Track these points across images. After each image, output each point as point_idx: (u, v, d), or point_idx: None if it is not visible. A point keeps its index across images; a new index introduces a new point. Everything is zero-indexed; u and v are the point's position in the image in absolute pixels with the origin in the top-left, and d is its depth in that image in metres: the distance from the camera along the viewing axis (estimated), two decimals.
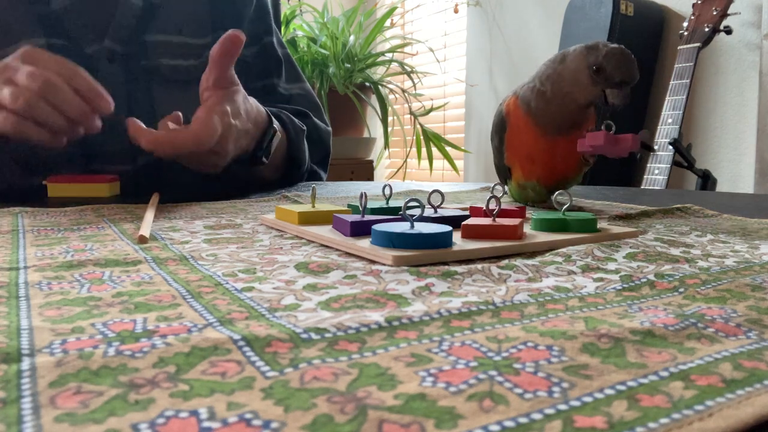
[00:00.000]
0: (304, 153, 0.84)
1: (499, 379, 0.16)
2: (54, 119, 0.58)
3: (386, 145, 2.46)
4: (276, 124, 0.74)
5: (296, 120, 0.83)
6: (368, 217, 0.37)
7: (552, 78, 0.52)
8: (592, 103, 0.52)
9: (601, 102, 0.51)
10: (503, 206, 0.41)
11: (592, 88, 0.50)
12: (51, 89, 0.57)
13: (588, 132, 0.52)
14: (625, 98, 0.50)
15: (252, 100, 0.69)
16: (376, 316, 0.21)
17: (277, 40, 0.91)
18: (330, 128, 0.95)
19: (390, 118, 2.45)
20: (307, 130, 0.86)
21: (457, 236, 0.35)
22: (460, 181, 2.67)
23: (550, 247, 0.34)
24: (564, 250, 0.33)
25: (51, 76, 0.57)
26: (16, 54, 0.60)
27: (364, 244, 0.32)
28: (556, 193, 0.42)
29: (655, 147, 1.58)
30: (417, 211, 0.33)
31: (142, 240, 0.35)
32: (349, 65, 2.32)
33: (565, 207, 0.40)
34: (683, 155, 1.56)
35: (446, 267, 0.29)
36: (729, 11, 1.58)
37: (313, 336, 0.19)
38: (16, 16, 0.70)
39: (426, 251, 0.30)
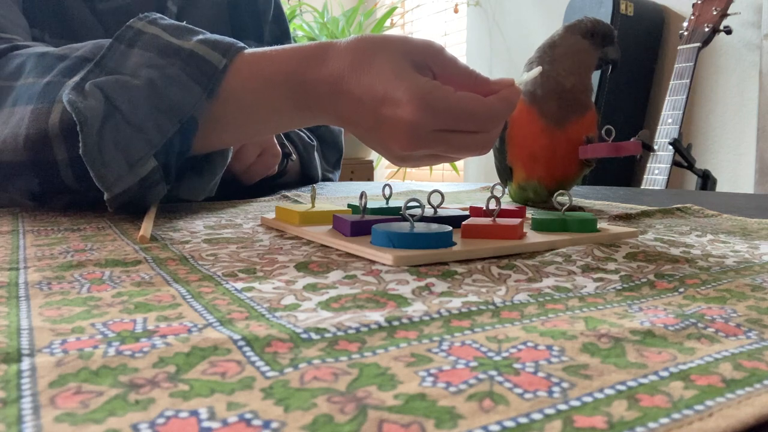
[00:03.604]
0: (316, 169, 0.88)
1: (499, 379, 0.16)
2: None
3: None
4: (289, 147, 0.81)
5: (305, 135, 0.86)
6: (368, 217, 0.36)
7: (554, 58, 0.56)
8: (599, 63, 0.58)
9: (603, 61, 0.57)
10: (503, 206, 0.41)
11: (594, 52, 0.57)
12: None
13: (590, 144, 0.54)
14: (618, 52, 0.58)
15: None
16: (376, 316, 0.21)
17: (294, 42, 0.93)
18: (342, 128, 0.97)
19: None
20: (323, 136, 0.90)
21: (457, 236, 0.35)
22: (460, 181, 2.67)
23: (550, 247, 0.34)
24: (564, 250, 0.33)
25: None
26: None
27: (364, 244, 0.32)
28: (557, 193, 0.42)
29: (655, 147, 1.58)
30: (417, 211, 0.33)
31: (143, 240, 0.35)
32: None
33: (565, 207, 0.40)
34: (683, 155, 1.56)
35: (446, 267, 0.29)
36: (729, 11, 1.58)
37: (313, 336, 0.19)
38: (79, 13, 0.68)
39: (426, 251, 0.30)
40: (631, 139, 0.54)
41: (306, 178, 0.87)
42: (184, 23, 0.49)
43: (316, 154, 0.87)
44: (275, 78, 0.44)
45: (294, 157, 0.80)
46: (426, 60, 0.42)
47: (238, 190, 0.74)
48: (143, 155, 0.43)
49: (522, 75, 0.46)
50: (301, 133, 0.85)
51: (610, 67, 0.59)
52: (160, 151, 0.43)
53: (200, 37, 0.46)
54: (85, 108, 0.41)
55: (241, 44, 0.46)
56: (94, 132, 0.41)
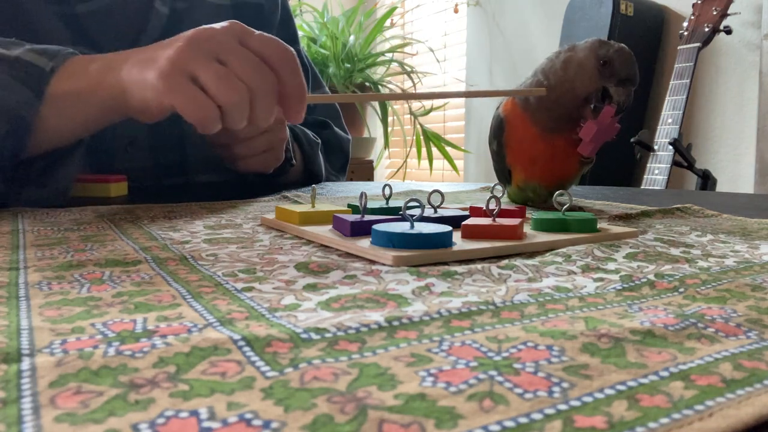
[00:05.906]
0: (319, 166, 0.87)
1: (499, 379, 0.16)
2: (246, 125, 0.49)
3: (386, 145, 2.46)
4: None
5: (309, 133, 0.85)
6: (368, 217, 0.37)
7: (556, 66, 0.52)
8: (589, 98, 0.51)
9: (598, 100, 0.51)
10: (503, 206, 0.41)
11: (596, 81, 0.51)
12: (260, 93, 0.48)
13: (579, 133, 0.52)
14: (629, 96, 0.51)
15: None
16: (376, 316, 0.21)
17: (302, 48, 0.92)
18: (349, 136, 0.98)
19: (390, 118, 2.45)
20: (328, 140, 0.90)
21: (457, 236, 0.35)
22: (460, 181, 2.67)
23: (550, 247, 0.34)
24: (564, 250, 0.33)
25: (268, 74, 0.48)
26: (226, 24, 0.50)
27: (364, 244, 0.32)
28: (556, 193, 0.42)
29: (655, 147, 1.57)
30: (417, 211, 0.33)
31: None
32: (349, 65, 2.32)
33: (565, 207, 0.40)
34: (683, 155, 1.56)
35: (446, 267, 0.29)
36: (729, 11, 1.58)
37: (313, 336, 0.19)
38: (41, 17, 0.68)
39: (426, 251, 0.30)
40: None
41: (310, 174, 0.86)
42: (13, 39, 0.52)
43: (320, 152, 0.87)
44: (95, 71, 0.50)
45: (294, 162, 0.80)
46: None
47: (236, 190, 0.74)
48: None
49: None
50: (306, 131, 0.85)
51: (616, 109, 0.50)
52: None
53: (29, 47, 0.50)
54: None
55: (74, 50, 0.51)
56: None
